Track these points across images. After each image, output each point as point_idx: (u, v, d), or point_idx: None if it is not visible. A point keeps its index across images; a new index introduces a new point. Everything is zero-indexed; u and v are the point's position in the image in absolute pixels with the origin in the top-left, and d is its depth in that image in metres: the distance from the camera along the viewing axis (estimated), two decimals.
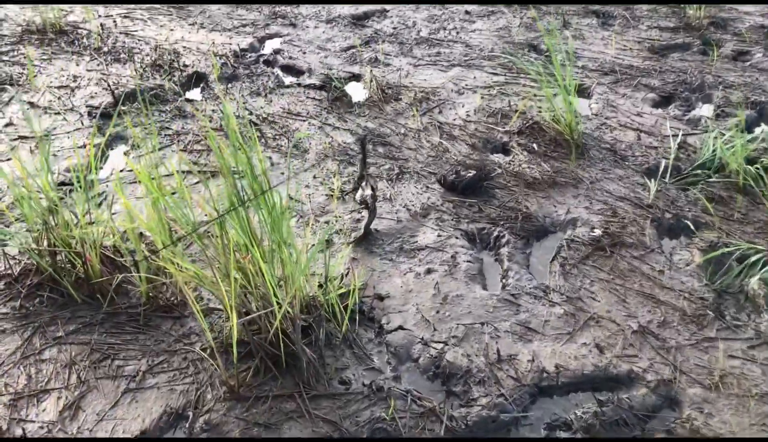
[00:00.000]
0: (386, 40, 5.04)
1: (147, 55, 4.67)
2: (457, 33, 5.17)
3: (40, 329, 2.45)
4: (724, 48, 4.94)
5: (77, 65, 4.49)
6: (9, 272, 2.65)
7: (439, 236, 2.98)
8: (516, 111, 4.00)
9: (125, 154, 3.59)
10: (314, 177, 3.39)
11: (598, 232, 3.01)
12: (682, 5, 5.48)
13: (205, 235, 2.36)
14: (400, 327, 2.51)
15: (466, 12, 5.58)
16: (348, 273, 2.73)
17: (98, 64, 4.50)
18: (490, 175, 3.35)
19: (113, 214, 3.05)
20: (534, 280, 2.76)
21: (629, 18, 5.38)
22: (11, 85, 4.14)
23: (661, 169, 3.39)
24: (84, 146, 3.60)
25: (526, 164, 3.52)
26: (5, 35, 4.91)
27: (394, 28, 5.28)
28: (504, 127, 3.85)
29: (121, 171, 3.43)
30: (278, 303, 2.25)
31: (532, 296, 2.66)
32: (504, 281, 2.78)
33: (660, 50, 4.90)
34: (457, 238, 2.98)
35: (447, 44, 4.97)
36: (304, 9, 5.67)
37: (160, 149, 3.59)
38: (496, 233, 3.02)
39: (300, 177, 3.39)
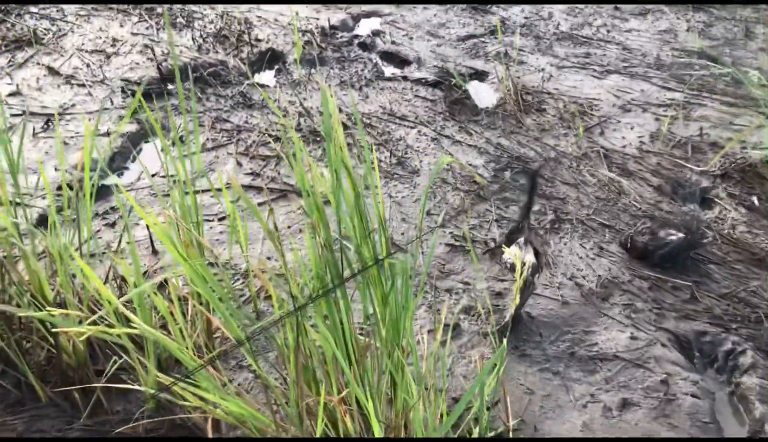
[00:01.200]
0: (517, 32, 3.88)
1: (211, 22, 3.62)
2: (608, 31, 3.97)
3: None
4: None
5: (121, 26, 3.47)
6: None
7: (633, 337, 1.84)
8: (710, 144, 2.81)
9: (163, 151, 2.55)
10: (428, 213, 2.29)
11: None
12: None
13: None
14: None
15: (616, 8, 4.37)
16: (498, 401, 1.61)
17: (147, 28, 3.47)
18: (702, 241, 2.17)
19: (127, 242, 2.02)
20: None
21: None
22: (31, 43, 3.15)
23: None
24: (108, 134, 2.58)
25: (744, 227, 2.33)
26: None
27: (526, 18, 4.12)
28: (699, 165, 2.67)
29: (153, 175, 2.39)
30: None
31: None
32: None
33: None
34: (663, 344, 1.83)
35: (597, 44, 3.78)
36: None
37: (211, 149, 2.54)
38: (729, 346, 1.85)
39: (406, 212, 2.29)
